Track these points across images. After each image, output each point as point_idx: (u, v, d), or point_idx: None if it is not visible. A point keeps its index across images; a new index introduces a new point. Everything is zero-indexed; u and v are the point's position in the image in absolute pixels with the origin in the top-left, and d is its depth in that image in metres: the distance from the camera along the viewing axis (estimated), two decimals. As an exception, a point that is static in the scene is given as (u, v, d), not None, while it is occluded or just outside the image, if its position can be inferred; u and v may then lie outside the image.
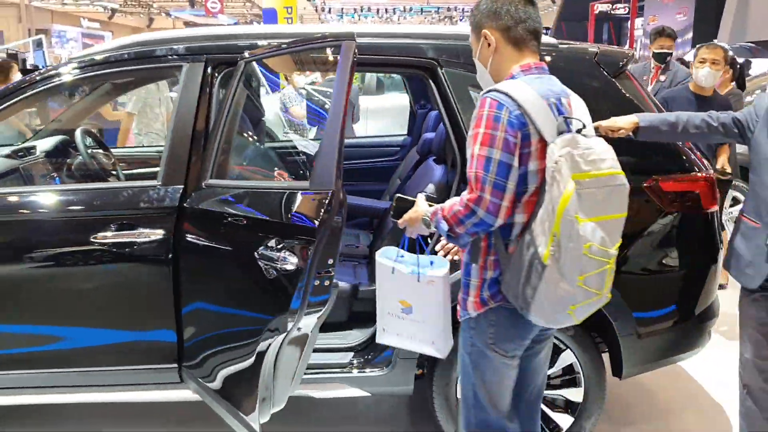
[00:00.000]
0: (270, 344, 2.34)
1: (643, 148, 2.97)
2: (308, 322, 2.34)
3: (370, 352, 3.01)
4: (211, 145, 2.79)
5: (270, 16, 11.97)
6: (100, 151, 3.77)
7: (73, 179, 3.64)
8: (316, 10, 30.75)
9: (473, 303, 2.17)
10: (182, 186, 2.80)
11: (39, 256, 2.81)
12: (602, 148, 2.03)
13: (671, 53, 5.73)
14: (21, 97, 2.92)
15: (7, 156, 3.46)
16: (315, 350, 2.99)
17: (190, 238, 2.72)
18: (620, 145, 2.85)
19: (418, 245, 2.37)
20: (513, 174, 1.99)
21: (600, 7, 23.56)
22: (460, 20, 33.69)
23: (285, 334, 2.29)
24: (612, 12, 23.79)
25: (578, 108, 2.15)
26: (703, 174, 3.00)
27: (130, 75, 3.37)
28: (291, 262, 2.26)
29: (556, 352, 2.98)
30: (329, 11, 30.41)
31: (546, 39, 3.17)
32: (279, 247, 2.30)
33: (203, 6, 26.98)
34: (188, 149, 2.84)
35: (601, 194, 1.97)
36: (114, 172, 3.74)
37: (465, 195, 2.03)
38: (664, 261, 3.04)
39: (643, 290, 3.03)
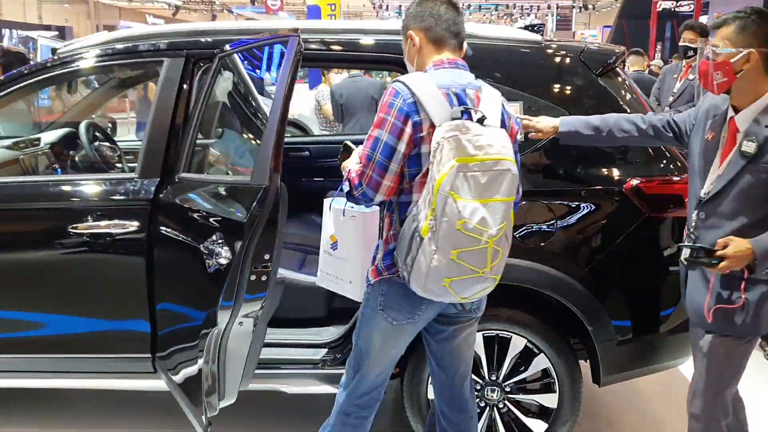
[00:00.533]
0: (212, 338, 2.36)
1: (626, 147, 2.90)
2: (247, 316, 2.36)
3: (344, 348, 3.01)
4: (185, 139, 2.82)
5: (314, 12, 12.08)
6: (106, 143, 3.86)
7: (77, 171, 3.74)
8: (374, 7, 30.82)
9: (371, 271, 2.32)
10: (158, 179, 2.85)
11: (19, 244, 2.90)
12: (492, 136, 2.10)
13: (694, 48, 5.55)
14: (11, 89, 3.01)
15: (8, 147, 3.57)
16: (288, 345, 3.02)
17: (162, 230, 2.76)
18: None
19: None
20: (397, 156, 2.13)
21: (663, 5, 22.90)
22: (520, 17, 33.36)
23: (224, 328, 2.31)
24: (676, 9, 23.13)
25: (489, 101, 2.22)
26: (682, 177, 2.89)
27: (115, 69, 3.44)
28: (225, 256, 2.28)
29: (530, 355, 2.92)
30: (387, 8, 30.43)
31: (533, 37, 3.12)
32: (219, 241, 2.32)
33: (264, 3, 27.34)
34: (166, 143, 2.89)
35: (485, 178, 2.06)
36: (119, 165, 3.83)
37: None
38: (645, 267, 2.95)
39: (623, 297, 2.94)
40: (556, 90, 2.99)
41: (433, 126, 2.09)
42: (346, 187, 2.20)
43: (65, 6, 43.14)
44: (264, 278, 2.31)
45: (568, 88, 2.99)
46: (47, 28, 29.59)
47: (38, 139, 3.77)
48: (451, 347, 2.44)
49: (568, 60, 3.03)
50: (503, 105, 2.26)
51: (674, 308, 2.93)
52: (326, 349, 3.03)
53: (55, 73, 3.04)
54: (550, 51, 3.05)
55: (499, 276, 2.21)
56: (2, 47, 4.96)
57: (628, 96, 3.07)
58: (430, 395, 2.93)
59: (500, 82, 2.93)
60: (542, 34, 3.56)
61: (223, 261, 2.28)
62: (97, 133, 3.85)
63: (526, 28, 3.64)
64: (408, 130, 2.11)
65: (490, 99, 2.22)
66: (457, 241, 2.04)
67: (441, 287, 2.11)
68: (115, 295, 2.89)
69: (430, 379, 2.88)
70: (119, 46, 3.06)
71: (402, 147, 2.11)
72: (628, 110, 2.92)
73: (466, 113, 2.12)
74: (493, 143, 2.08)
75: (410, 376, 2.95)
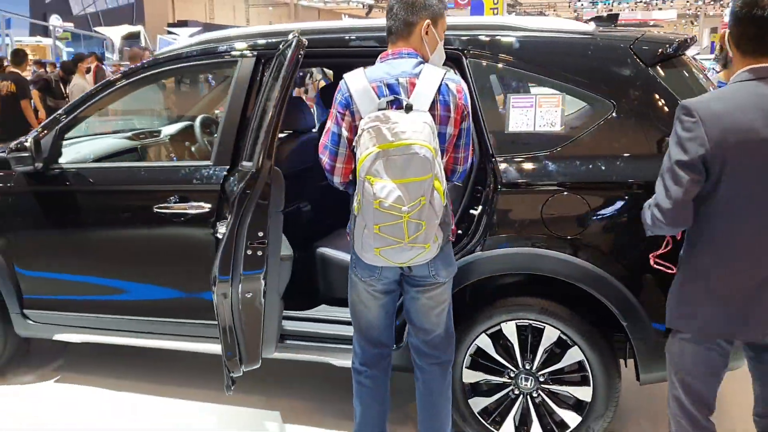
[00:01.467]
0: (223, 308, 2.66)
1: (662, 135, 2.82)
2: (251, 288, 2.62)
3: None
4: (246, 131, 3.14)
5: (477, 7, 12.15)
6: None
7: (192, 160, 4.22)
8: None
9: (347, 233, 2.64)
10: (228, 166, 3.20)
11: (114, 221, 3.38)
12: (407, 124, 2.30)
13: None
14: (114, 88, 3.51)
15: (130, 138, 4.12)
16: (338, 322, 3.24)
17: (223, 211, 3.10)
18: (633, 130, 2.81)
19: None
20: (342, 141, 2.47)
21: None
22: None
23: (229, 298, 2.60)
24: None
25: (424, 86, 2.41)
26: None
27: (198, 70, 3.84)
28: (220, 232, 2.57)
29: (564, 347, 2.93)
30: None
31: (583, 27, 3.10)
32: (222, 219, 2.63)
33: (454, -1, 27.74)
34: (235, 135, 3.23)
35: (400, 161, 2.29)
36: None
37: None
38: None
39: (662, 294, 2.83)
40: (600, 82, 2.94)
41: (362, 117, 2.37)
42: None
43: (269, 9, 46.37)
44: (260, 254, 2.56)
45: (615, 79, 2.94)
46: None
47: (159, 131, 4.29)
48: (417, 306, 2.67)
49: (617, 50, 2.97)
50: (445, 85, 2.44)
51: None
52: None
53: (148, 74, 3.48)
54: (597, 42, 3.02)
55: (430, 244, 2.40)
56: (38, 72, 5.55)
57: (692, 86, 2.97)
58: (465, 379, 3.05)
59: (543, 74, 2.98)
60: (614, 25, 3.47)
61: (219, 236, 2.60)
62: (212, 127, 4.31)
63: (596, 18, 3.54)
64: (347, 118, 2.44)
65: (425, 84, 2.41)
66: (377, 217, 2.32)
67: (374, 255, 2.41)
68: (190, 269, 3.28)
69: (466, 361, 3.03)
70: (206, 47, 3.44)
71: (344, 132, 2.45)
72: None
73: (396, 102, 2.37)
74: (406, 129, 2.29)
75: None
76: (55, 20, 30.28)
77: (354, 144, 2.37)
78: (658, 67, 2.91)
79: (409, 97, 2.38)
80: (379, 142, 2.27)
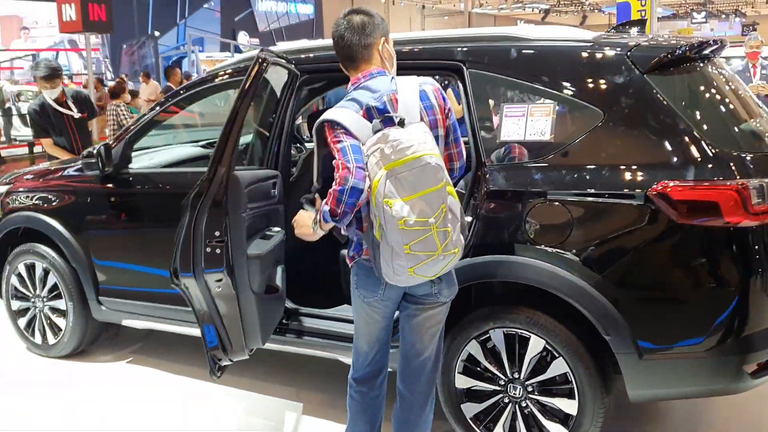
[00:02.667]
0: (194, 300, 2.93)
1: (652, 146, 2.73)
2: (220, 283, 2.85)
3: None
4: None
5: (624, 10, 11.66)
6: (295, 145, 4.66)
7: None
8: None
9: (348, 258, 2.66)
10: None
11: (172, 219, 3.76)
12: (408, 137, 2.30)
13: None
14: (168, 104, 3.94)
15: (203, 146, 4.55)
16: (342, 320, 3.41)
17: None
18: (624, 142, 2.74)
19: None
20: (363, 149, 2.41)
21: None
22: None
23: (197, 291, 2.86)
24: None
25: (405, 98, 2.44)
26: (729, 183, 2.59)
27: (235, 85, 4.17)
28: None
29: (549, 358, 2.91)
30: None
31: (584, 35, 3.07)
32: None
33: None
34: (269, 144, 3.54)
35: (412, 176, 2.29)
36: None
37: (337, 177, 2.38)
38: (673, 280, 2.72)
39: (647, 308, 2.75)
40: (592, 90, 2.89)
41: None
42: (327, 209, 2.38)
43: (444, 18, 46.96)
44: (218, 252, 2.80)
45: (607, 88, 2.87)
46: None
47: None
48: (413, 323, 2.66)
49: (612, 58, 2.90)
50: (423, 91, 2.49)
51: (723, 328, 2.66)
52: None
53: (198, 89, 3.86)
54: (595, 50, 2.96)
55: (459, 248, 2.41)
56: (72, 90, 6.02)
57: (700, 94, 2.86)
58: (458, 384, 3.11)
59: (536, 83, 2.98)
60: (641, 33, 3.34)
61: None
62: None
63: (622, 25, 3.40)
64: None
65: (406, 96, 2.45)
66: (405, 237, 2.30)
67: (409, 276, 2.39)
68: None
69: (458, 367, 3.08)
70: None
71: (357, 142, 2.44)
72: (677, 110, 2.73)
73: (387, 121, 2.37)
74: (411, 143, 2.30)
75: (441, 369, 3.10)
76: (242, 37, 32.80)
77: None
78: (653, 75, 2.82)
79: (396, 112, 2.42)
80: (385, 164, 2.28)
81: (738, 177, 2.61)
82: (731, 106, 2.97)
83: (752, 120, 3.02)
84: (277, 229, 3.33)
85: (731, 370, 2.71)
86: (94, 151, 3.80)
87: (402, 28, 44.30)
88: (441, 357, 2.80)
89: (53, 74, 5.40)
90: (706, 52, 3.09)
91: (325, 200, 2.43)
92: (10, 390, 4.00)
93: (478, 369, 3.07)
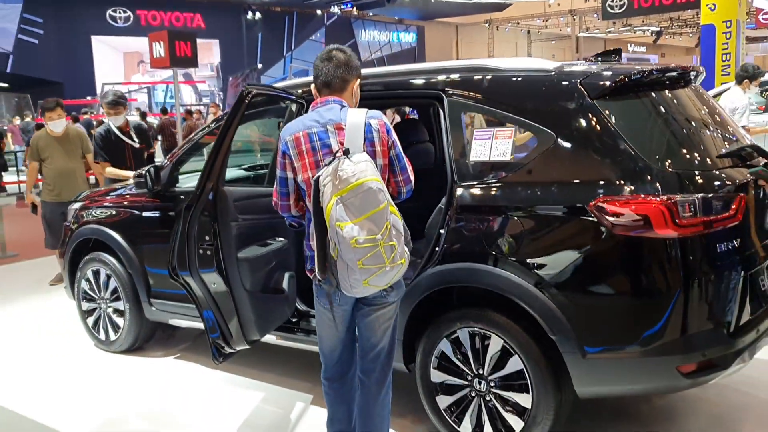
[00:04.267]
0: (196, 296, 3.43)
1: (595, 165, 3.03)
2: (213, 281, 3.34)
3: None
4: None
5: (707, 32, 11.56)
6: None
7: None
8: None
9: (307, 271, 3.03)
10: None
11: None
12: (351, 168, 2.66)
13: None
14: (213, 128, 4.51)
15: (246, 169, 5.12)
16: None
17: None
18: (571, 161, 3.05)
19: None
20: (289, 182, 2.92)
21: None
22: None
23: (200, 290, 3.36)
24: None
25: (351, 129, 2.82)
26: (658, 197, 2.86)
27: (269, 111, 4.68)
28: None
29: (507, 355, 3.22)
30: None
31: (546, 65, 3.39)
32: None
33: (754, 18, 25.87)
34: None
35: (357, 200, 2.64)
36: None
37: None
38: (612, 286, 2.99)
39: (589, 313, 3.02)
40: (546, 114, 3.21)
41: (303, 158, 2.85)
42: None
43: (552, 43, 46.64)
44: (209, 253, 3.29)
45: (559, 113, 3.19)
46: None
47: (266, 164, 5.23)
48: (366, 321, 3.02)
49: (566, 86, 3.22)
50: (368, 124, 2.85)
51: (656, 331, 2.91)
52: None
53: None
54: (552, 78, 3.29)
55: (405, 259, 2.74)
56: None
57: (649, 118, 3.15)
58: (433, 378, 3.46)
59: (501, 109, 3.34)
60: (617, 61, 3.62)
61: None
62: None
63: (601, 54, 3.67)
64: (287, 161, 2.90)
65: (353, 127, 2.82)
66: (357, 254, 2.63)
67: (364, 287, 2.74)
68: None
69: (433, 363, 3.44)
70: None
71: (289, 175, 2.91)
72: (619, 132, 3.03)
73: (329, 152, 2.81)
74: (354, 172, 2.65)
75: (420, 364, 3.50)
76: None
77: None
78: (602, 100, 3.12)
79: (339, 140, 2.81)
80: (335, 192, 2.62)
81: (668, 193, 2.88)
82: (683, 129, 3.23)
83: (707, 141, 3.26)
84: (280, 239, 3.82)
85: (666, 370, 2.94)
86: (144, 172, 4.41)
87: (508, 53, 44.33)
88: (395, 348, 3.14)
89: (117, 102, 6.08)
90: (667, 77, 3.36)
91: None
92: (78, 379, 4.65)
93: (449, 365, 3.41)
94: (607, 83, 3.14)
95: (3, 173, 15.60)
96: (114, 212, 4.88)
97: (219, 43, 32.76)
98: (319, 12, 36.46)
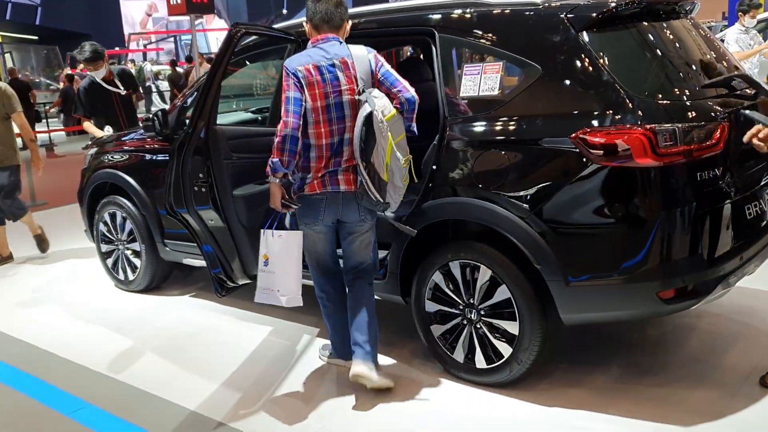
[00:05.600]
0: (197, 228, 3.57)
1: (579, 98, 3.07)
2: (210, 217, 3.48)
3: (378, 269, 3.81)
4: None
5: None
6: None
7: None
8: None
9: (294, 192, 3.34)
10: None
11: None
12: (381, 100, 3.16)
13: None
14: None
15: (253, 111, 5.22)
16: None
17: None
18: (557, 94, 3.10)
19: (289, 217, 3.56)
20: (302, 103, 3.20)
21: None
22: None
23: (198, 224, 3.51)
24: None
25: (362, 66, 3.23)
26: (638, 127, 2.91)
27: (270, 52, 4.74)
28: None
29: (496, 285, 3.33)
30: None
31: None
32: None
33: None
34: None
35: (395, 128, 3.18)
36: None
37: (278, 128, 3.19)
38: (594, 215, 3.05)
39: (571, 240, 3.10)
40: (533, 48, 3.24)
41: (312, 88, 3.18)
42: (275, 161, 3.16)
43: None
44: (204, 190, 3.42)
45: (544, 46, 3.22)
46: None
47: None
48: (352, 247, 3.46)
49: (552, 19, 3.24)
50: (370, 58, 3.24)
51: (636, 259, 2.99)
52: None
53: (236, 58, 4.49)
54: (539, 12, 3.31)
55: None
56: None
57: (634, 50, 3.17)
58: (427, 308, 3.60)
59: (490, 44, 3.38)
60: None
61: None
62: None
63: None
64: (298, 85, 3.19)
65: (360, 62, 3.22)
66: (401, 173, 3.27)
67: (398, 203, 3.41)
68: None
69: (427, 294, 3.57)
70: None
71: (300, 95, 3.19)
72: (603, 64, 3.06)
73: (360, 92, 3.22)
74: (385, 105, 3.15)
75: (415, 295, 3.63)
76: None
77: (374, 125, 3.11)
78: (587, 33, 3.14)
79: (348, 74, 3.20)
80: (385, 116, 3.11)
81: (650, 122, 2.92)
82: (670, 60, 3.25)
83: (695, 72, 3.28)
84: None
85: (646, 296, 3.03)
86: (152, 116, 4.53)
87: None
88: (377, 262, 3.54)
89: (95, 56, 5.95)
90: (658, 8, 3.36)
91: (271, 154, 3.10)
92: (97, 316, 4.89)
93: (442, 296, 3.54)
94: (593, 15, 3.16)
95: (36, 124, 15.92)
96: (127, 156, 5.04)
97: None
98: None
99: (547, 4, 3.34)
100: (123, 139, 5.21)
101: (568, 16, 3.19)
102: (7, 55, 19.33)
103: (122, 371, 3.97)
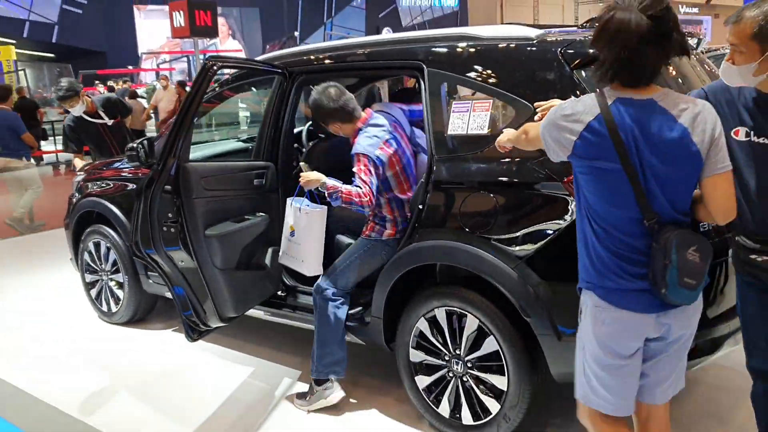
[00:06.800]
0: (166, 270, 3.39)
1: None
2: (181, 258, 3.28)
3: (366, 311, 3.62)
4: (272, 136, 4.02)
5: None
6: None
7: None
8: None
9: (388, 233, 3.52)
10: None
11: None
12: None
13: None
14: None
15: (244, 141, 5.05)
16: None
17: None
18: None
19: (311, 194, 3.68)
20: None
21: None
22: None
23: (167, 265, 3.31)
24: None
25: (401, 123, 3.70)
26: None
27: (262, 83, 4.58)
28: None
29: (483, 336, 3.12)
30: None
31: (529, 32, 3.21)
32: None
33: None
34: (266, 139, 4.00)
35: None
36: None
37: (360, 192, 3.31)
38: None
39: (562, 292, 2.88)
40: (525, 86, 3.05)
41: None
42: (338, 202, 3.32)
43: (599, 5, 45.31)
44: (173, 230, 3.22)
45: (537, 84, 3.03)
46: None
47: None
48: None
49: (545, 55, 3.05)
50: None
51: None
52: (360, 307, 3.68)
53: (224, 89, 4.35)
54: (532, 48, 3.11)
55: None
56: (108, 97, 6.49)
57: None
58: (412, 358, 3.39)
59: (480, 80, 3.19)
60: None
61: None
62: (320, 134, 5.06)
63: (595, 20, 3.44)
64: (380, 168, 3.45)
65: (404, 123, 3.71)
66: None
67: None
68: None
69: (412, 342, 3.37)
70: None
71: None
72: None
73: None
74: None
75: (399, 343, 3.44)
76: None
77: None
78: (584, 70, 2.95)
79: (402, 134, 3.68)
80: None
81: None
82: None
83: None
84: (261, 214, 3.75)
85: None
86: (137, 145, 4.37)
87: (554, 18, 43.19)
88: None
89: (67, 95, 5.83)
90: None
91: (341, 190, 3.32)
92: (77, 350, 4.71)
93: (427, 345, 3.33)
94: (590, 51, 2.96)
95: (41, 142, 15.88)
96: (112, 185, 4.88)
97: (259, 11, 32.71)
98: (359, -23, 36.12)
99: (541, 39, 3.15)
100: (111, 167, 5.05)
101: (564, 52, 3.00)
102: (21, 73, 19.36)
103: (93, 413, 3.78)
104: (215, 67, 3.29)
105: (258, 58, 3.98)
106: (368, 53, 3.69)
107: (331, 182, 3.37)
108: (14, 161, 8.48)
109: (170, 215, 3.29)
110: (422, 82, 3.39)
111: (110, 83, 17.49)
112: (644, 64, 2.05)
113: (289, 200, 3.71)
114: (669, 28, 2.04)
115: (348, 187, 3.33)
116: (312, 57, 3.91)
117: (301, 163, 3.51)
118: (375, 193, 3.33)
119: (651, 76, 2.09)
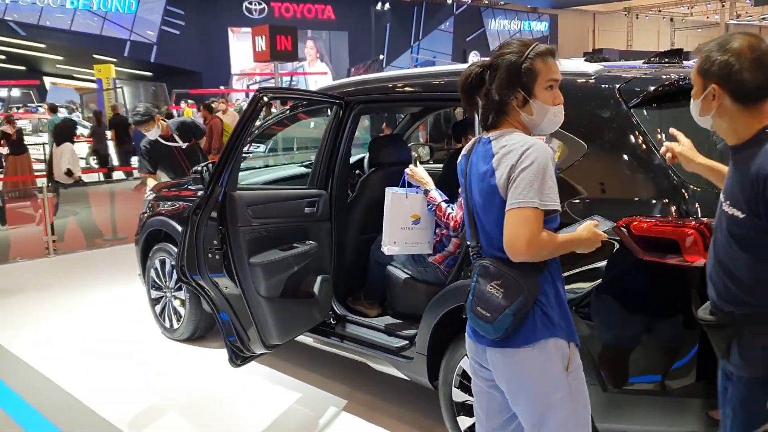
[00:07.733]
0: (212, 295, 3.41)
1: (626, 180, 2.75)
2: (226, 285, 3.29)
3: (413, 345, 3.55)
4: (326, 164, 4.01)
5: None
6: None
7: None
8: None
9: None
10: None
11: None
12: None
13: None
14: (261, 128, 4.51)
15: (305, 166, 5.10)
16: (377, 329, 3.74)
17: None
18: (602, 175, 2.79)
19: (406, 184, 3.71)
20: None
21: None
22: None
23: (213, 291, 3.33)
24: None
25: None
26: (692, 220, 2.56)
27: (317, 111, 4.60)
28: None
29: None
30: None
31: (588, 68, 3.11)
32: None
33: None
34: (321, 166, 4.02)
35: None
36: None
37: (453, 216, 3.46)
38: (636, 319, 2.71)
39: (612, 343, 2.76)
40: (579, 122, 2.94)
41: None
42: (432, 212, 3.57)
43: (698, 31, 43.97)
44: (218, 257, 3.23)
45: (592, 121, 2.92)
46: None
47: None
48: None
49: (602, 91, 2.95)
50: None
51: (674, 366, 2.64)
52: (407, 341, 3.61)
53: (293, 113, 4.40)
54: (590, 83, 3.01)
55: None
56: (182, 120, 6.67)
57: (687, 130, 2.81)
58: (455, 398, 3.30)
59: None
60: (677, 63, 3.26)
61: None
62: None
63: (662, 54, 3.28)
64: None
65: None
66: None
67: None
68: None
69: (455, 381, 3.29)
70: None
71: None
72: (655, 145, 2.74)
73: None
74: None
75: (442, 382, 3.36)
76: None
77: None
78: (641, 109, 2.83)
79: None
80: None
81: (705, 216, 2.57)
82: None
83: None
84: (310, 242, 3.76)
85: (696, 414, 2.64)
86: (201, 168, 4.46)
87: (649, 43, 42.16)
88: None
89: (143, 120, 6.04)
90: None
91: (439, 206, 3.54)
92: (135, 365, 4.83)
93: (470, 385, 3.23)
94: (648, 89, 2.84)
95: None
96: (178, 205, 5.01)
97: (348, 34, 33.25)
98: (449, 1, 36.22)
99: (600, 75, 3.05)
100: (179, 188, 5.19)
101: (621, 89, 2.89)
102: (119, 90, 20.28)
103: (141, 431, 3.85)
104: (265, 98, 3.33)
105: (317, 89, 4.01)
106: (424, 84, 3.66)
107: (434, 193, 3.57)
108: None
109: (215, 242, 3.33)
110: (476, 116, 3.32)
111: (206, 102, 18.06)
112: None
113: (396, 191, 3.67)
114: None
115: (445, 205, 3.52)
116: (370, 86, 3.92)
117: (414, 153, 3.49)
118: (462, 227, 3.36)
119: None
